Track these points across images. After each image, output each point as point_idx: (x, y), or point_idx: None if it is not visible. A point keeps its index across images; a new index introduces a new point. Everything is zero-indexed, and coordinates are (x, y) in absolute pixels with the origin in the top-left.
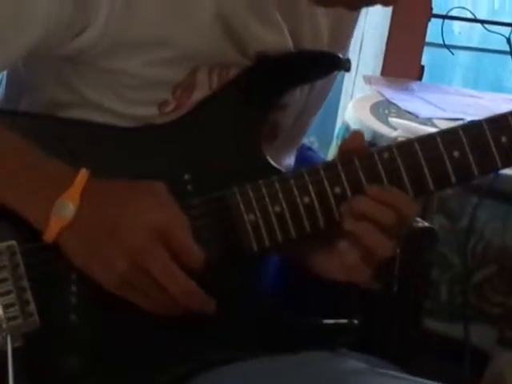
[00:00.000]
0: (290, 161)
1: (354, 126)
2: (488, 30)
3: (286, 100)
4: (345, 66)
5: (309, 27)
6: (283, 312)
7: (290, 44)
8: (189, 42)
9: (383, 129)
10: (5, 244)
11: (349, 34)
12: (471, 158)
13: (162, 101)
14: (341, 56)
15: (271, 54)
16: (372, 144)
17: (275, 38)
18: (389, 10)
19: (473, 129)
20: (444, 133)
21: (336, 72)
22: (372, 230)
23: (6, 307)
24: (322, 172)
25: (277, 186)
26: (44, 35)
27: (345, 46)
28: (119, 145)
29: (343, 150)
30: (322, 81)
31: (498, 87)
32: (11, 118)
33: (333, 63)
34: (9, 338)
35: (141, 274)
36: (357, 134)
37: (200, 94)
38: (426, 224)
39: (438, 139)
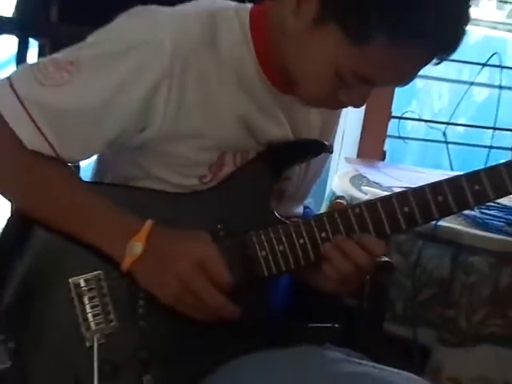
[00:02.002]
0: (299, 210)
1: (338, 192)
2: (430, 127)
3: (289, 173)
4: (329, 149)
5: (304, 122)
6: (286, 318)
7: (290, 135)
8: (219, 134)
9: (358, 194)
10: (94, 273)
11: (334, 127)
12: (416, 212)
13: (202, 175)
14: (326, 143)
15: (277, 142)
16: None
17: (280, 131)
18: (362, 110)
19: (418, 191)
20: (398, 194)
21: (324, 154)
22: (342, 260)
23: (94, 316)
24: (312, 222)
25: (281, 231)
26: (120, 131)
27: (331, 135)
28: (172, 204)
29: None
30: (314, 160)
31: (437, 167)
32: (100, 186)
33: (321, 148)
34: (95, 337)
35: (188, 292)
36: (339, 202)
37: (228, 169)
38: (387, 259)
39: (394, 199)
